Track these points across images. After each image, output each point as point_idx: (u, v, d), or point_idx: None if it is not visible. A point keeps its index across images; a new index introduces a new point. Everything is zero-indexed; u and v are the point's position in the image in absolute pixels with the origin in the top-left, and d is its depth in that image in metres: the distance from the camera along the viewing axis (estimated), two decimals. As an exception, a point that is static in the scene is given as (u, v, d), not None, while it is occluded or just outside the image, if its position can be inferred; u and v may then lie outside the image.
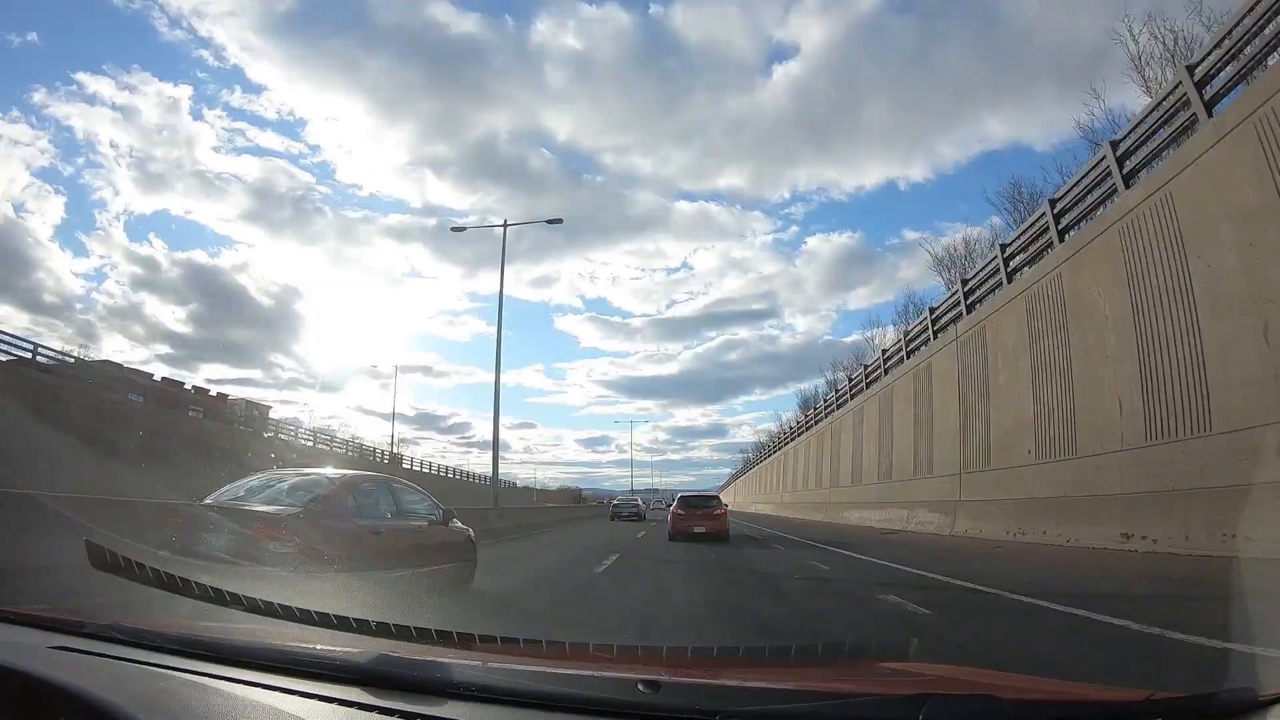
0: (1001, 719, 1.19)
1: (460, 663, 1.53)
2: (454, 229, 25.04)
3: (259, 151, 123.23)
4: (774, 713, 1.29)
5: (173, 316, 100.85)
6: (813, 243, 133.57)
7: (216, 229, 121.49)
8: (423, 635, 2.10)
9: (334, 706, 1.31)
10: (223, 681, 1.39)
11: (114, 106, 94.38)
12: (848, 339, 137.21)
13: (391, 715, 1.24)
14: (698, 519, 16.33)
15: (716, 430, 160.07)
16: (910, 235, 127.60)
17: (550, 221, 27.36)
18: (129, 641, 1.62)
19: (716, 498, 18.64)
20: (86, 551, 2.66)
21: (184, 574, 2.72)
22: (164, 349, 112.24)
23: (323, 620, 2.21)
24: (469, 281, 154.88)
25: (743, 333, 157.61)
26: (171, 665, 1.48)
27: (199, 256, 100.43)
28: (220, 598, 2.48)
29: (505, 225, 23.93)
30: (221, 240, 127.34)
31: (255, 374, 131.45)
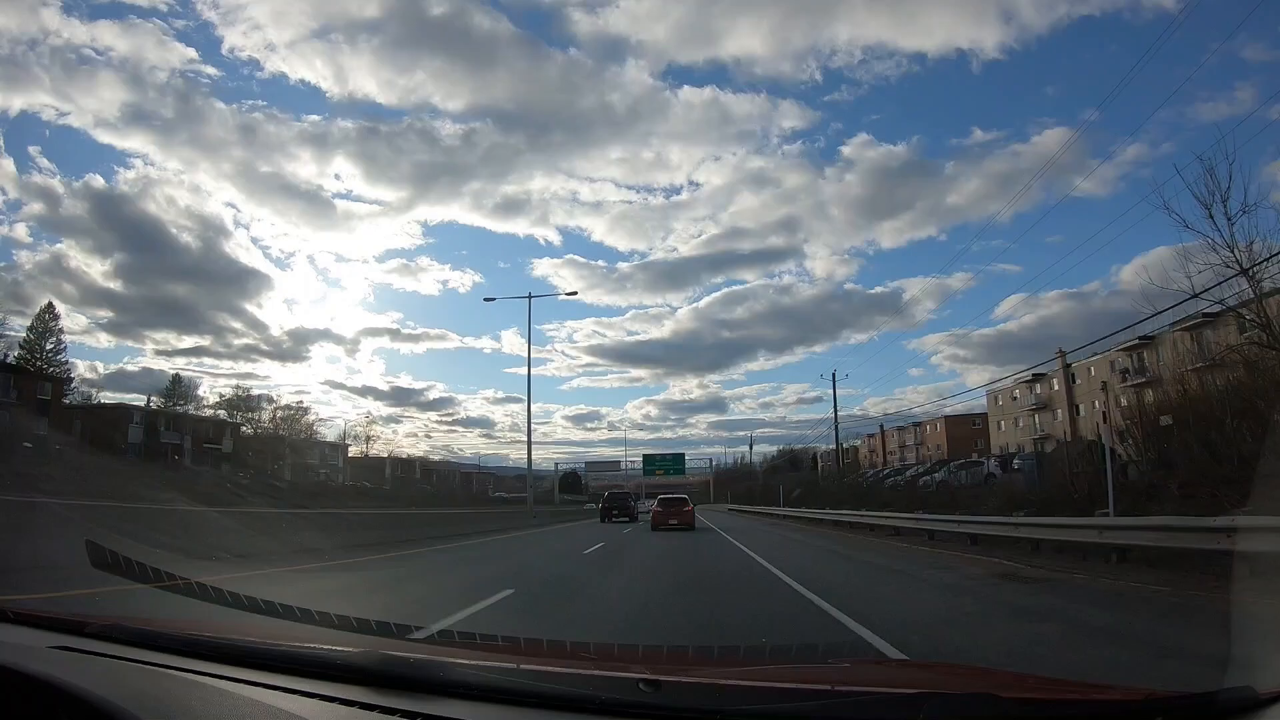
0: (1002, 718, 1.20)
1: (461, 662, 1.53)
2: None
3: (118, 11, 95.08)
4: (774, 712, 1.29)
5: (100, 271, 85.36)
6: (852, 146, 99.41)
7: (99, 137, 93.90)
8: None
9: (335, 706, 1.31)
10: (224, 681, 1.39)
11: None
12: (873, 290, 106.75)
13: (393, 714, 1.24)
14: (672, 514, 23.14)
15: (715, 404, 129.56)
16: (979, 135, 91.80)
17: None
18: (129, 641, 1.62)
19: (685, 499, 25.39)
20: (87, 551, 2.66)
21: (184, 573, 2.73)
22: (106, 314, 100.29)
23: (324, 620, 2.21)
24: (417, 209, 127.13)
25: (751, 278, 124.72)
26: (172, 665, 1.48)
27: (96, 182, 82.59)
28: (221, 597, 2.48)
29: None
30: (108, 154, 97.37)
31: (205, 341, 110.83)
